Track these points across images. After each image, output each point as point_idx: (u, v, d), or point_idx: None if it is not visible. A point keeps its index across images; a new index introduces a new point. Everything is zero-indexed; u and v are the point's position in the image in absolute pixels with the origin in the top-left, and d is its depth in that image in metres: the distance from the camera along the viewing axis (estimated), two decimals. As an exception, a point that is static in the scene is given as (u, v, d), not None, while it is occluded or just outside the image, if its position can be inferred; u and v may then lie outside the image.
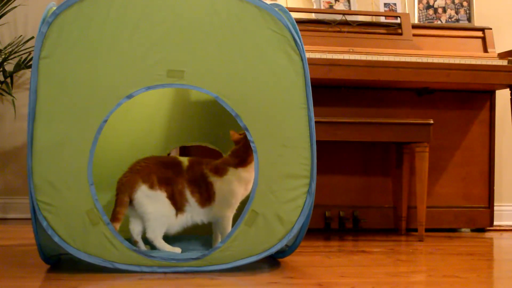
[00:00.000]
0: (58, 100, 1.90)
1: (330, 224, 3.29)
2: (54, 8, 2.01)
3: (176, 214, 2.15)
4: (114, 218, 2.08)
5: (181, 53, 1.95)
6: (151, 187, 2.11)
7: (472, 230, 3.56)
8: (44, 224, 1.89)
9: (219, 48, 1.97)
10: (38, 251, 1.98)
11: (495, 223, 3.57)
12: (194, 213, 2.18)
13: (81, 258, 1.92)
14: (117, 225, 2.07)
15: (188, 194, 2.16)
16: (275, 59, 2.00)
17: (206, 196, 2.19)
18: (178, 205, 2.15)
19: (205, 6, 1.97)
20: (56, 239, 1.90)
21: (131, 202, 2.12)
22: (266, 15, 1.99)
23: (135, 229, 2.14)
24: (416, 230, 3.19)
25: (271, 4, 2.05)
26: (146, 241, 2.17)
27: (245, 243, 1.98)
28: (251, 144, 1.98)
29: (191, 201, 2.17)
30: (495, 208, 3.54)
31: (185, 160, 2.23)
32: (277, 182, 1.99)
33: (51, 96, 1.90)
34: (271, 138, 1.99)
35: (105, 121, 1.90)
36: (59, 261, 2.14)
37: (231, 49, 1.97)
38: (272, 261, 2.23)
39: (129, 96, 1.92)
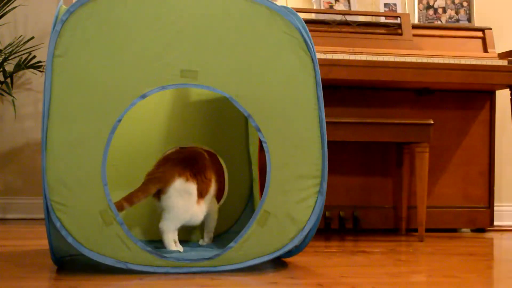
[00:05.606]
0: (72, 99, 1.89)
1: (330, 224, 3.29)
2: (64, 6, 2.00)
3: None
4: (129, 199, 2.05)
5: (195, 53, 1.95)
6: (187, 180, 2.15)
7: (472, 230, 3.56)
8: (58, 224, 1.88)
9: (232, 48, 1.98)
10: (50, 252, 1.96)
11: (495, 223, 3.57)
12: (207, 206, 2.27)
13: (94, 258, 1.91)
14: (128, 207, 2.05)
15: (212, 185, 2.27)
16: (286, 60, 2.01)
17: (222, 189, 2.34)
18: (203, 194, 2.23)
19: (218, 7, 1.97)
20: (69, 239, 1.89)
21: (156, 195, 2.13)
22: (277, 16, 2.00)
23: None
24: (416, 230, 3.19)
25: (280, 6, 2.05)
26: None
27: (257, 243, 1.99)
28: (263, 145, 1.99)
29: (211, 193, 2.28)
30: (495, 208, 3.54)
31: (204, 152, 2.31)
32: (289, 182, 2.00)
33: (65, 95, 1.88)
34: (283, 139, 2.00)
35: (119, 120, 1.90)
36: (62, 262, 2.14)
37: (244, 50, 1.98)
38: (273, 261, 2.22)
39: (143, 96, 1.92)
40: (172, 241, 2.14)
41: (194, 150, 2.30)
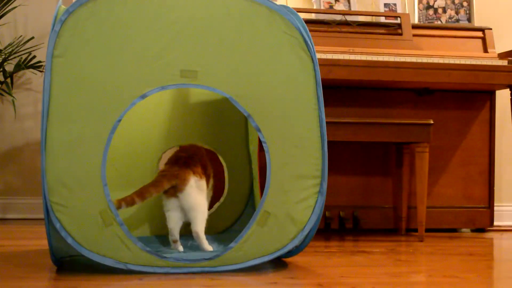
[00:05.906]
0: (71, 99, 1.89)
1: (330, 224, 3.29)
2: (63, 6, 2.00)
3: None
4: (140, 194, 2.06)
5: (195, 54, 1.95)
6: (200, 178, 2.18)
7: (472, 230, 3.56)
8: (58, 225, 1.87)
9: (232, 49, 1.98)
10: (50, 253, 1.97)
11: (495, 223, 3.57)
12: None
13: (93, 259, 1.91)
14: (139, 202, 2.05)
15: (211, 180, 2.31)
16: (286, 60, 2.01)
17: (222, 188, 2.41)
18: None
19: (218, 7, 1.97)
20: (69, 240, 1.88)
21: (168, 192, 2.13)
22: (277, 16, 2.00)
23: (176, 227, 2.15)
24: (416, 230, 3.19)
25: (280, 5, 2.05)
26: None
27: (257, 243, 1.99)
28: (263, 145, 1.98)
29: (209, 187, 2.31)
30: (495, 208, 3.54)
31: (202, 147, 2.36)
32: (289, 182, 2.00)
33: (65, 95, 1.88)
34: (283, 139, 2.00)
35: (119, 120, 1.90)
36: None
37: (244, 50, 1.98)
38: (273, 261, 2.22)
39: (143, 96, 1.92)
40: (205, 240, 2.14)
41: (196, 147, 2.33)
